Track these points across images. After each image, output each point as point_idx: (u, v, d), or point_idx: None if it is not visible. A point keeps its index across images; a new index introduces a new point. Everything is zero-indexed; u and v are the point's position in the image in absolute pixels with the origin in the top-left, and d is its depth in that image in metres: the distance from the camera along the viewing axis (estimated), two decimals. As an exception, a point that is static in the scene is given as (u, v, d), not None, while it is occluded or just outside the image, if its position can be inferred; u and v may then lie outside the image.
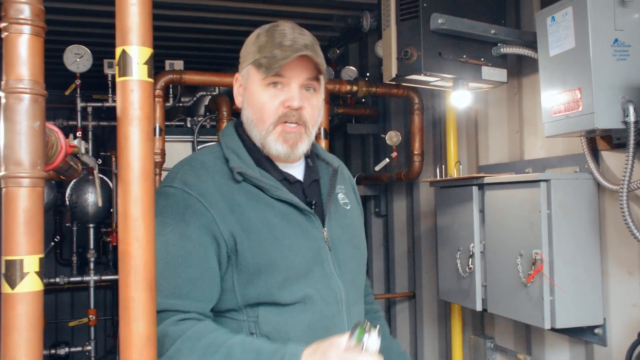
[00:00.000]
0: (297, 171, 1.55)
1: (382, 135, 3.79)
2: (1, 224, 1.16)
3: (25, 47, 1.18)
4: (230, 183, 1.43)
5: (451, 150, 3.26)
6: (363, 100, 4.24)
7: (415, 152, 3.51)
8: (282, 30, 1.46)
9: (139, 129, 1.23)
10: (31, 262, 1.17)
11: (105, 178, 4.48)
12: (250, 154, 1.49)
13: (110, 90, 4.07)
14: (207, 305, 1.38)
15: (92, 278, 4.36)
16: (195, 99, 4.22)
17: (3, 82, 1.15)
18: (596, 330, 2.36)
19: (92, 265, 4.46)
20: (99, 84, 4.41)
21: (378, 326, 1.25)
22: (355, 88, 3.47)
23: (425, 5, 2.29)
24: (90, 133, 4.36)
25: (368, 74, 4.33)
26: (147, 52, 1.25)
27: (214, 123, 4.29)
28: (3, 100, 1.15)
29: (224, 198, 1.40)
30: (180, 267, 1.35)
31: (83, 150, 1.46)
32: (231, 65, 5.14)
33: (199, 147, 3.88)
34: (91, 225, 4.56)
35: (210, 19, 4.04)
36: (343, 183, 1.64)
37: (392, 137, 3.70)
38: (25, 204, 1.16)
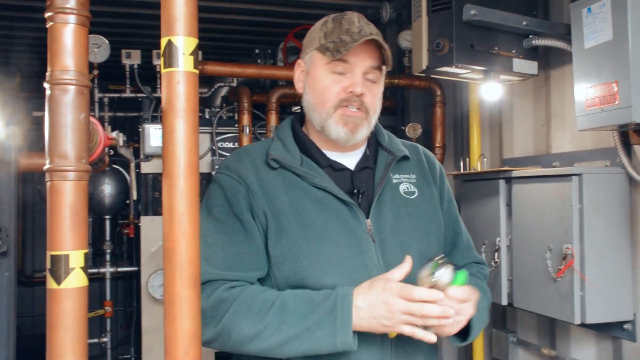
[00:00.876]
0: (350, 160, 1.53)
1: (403, 128, 3.76)
2: (46, 218, 1.14)
3: (70, 37, 1.16)
4: (268, 169, 1.47)
5: (474, 143, 3.22)
6: (381, 91, 4.19)
7: (437, 145, 3.48)
8: (350, 18, 1.48)
9: (184, 121, 1.21)
10: (77, 258, 1.15)
11: (121, 169, 4.47)
12: (298, 142, 1.52)
13: (127, 80, 4.04)
14: (255, 275, 1.43)
15: (108, 270, 4.36)
16: (213, 90, 4.19)
17: (48, 73, 1.13)
18: (625, 326, 2.33)
19: (108, 257, 4.45)
20: (115, 74, 4.39)
21: (452, 263, 1.31)
22: (377, 80, 3.43)
23: (457, -5, 2.26)
24: (106, 124, 4.34)
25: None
26: (193, 42, 1.22)
27: (231, 114, 4.27)
28: (48, 92, 1.13)
29: (260, 182, 1.45)
30: (229, 242, 1.41)
31: (121, 143, 1.44)
32: (246, 56, 5.10)
33: (217, 139, 3.86)
34: (107, 217, 4.55)
35: (225, 8, 4.00)
36: (416, 171, 1.59)
37: (413, 130, 3.66)
38: (71, 198, 1.14)
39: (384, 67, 1.50)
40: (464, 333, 1.46)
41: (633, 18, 1.97)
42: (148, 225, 3.78)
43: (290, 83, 3.89)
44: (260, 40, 4.82)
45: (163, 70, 1.23)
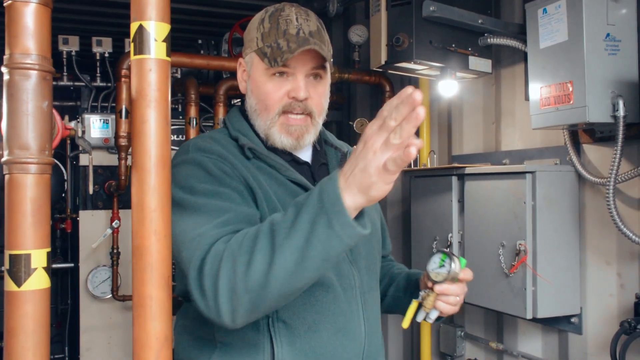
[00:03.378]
0: (304, 154, 1.51)
1: (350, 122, 3.74)
2: (4, 215, 1.05)
3: (32, 18, 1.07)
4: (243, 159, 1.39)
5: (424, 139, 3.25)
6: (327, 86, 4.17)
7: (386, 141, 3.47)
8: (287, 15, 1.40)
9: (156, 111, 1.14)
10: (39, 257, 1.07)
11: (57, 162, 4.26)
12: (258, 136, 1.46)
13: (64, 68, 3.85)
14: None
15: (41, 266, 4.14)
16: (156, 80, 4.05)
17: (6, 57, 1.04)
18: (572, 319, 2.40)
19: (41, 253, 4.23)
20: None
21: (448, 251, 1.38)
22: (327, 74, 3.40)
23: (417, -9, 2.25)
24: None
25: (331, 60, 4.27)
26: (166, 28, 1.15)
27: (174, 106, 4.15)
28: (6, 77, 1.04)
29: (241, 165, 1.36)
30: (231, 205, 1.27)
31: (80, 133, 1.35)
32: (187, 47, 4.97)
33: (160, 131, 3.73)
34: (40, 210, 4.32)
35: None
36: None
37: (361, 125, 3.65)
38: (33, 192, 1.06)
39: (327, 63, 1.43)
40: None
41: (588, 20, 2.01)
42: (87, 219, 3.62)
43: (236, 75, 3.80)
44: (202, 30, 4.70)
45: (133, 57, 1.15)
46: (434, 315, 1.41)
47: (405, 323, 1.39)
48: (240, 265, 1.12)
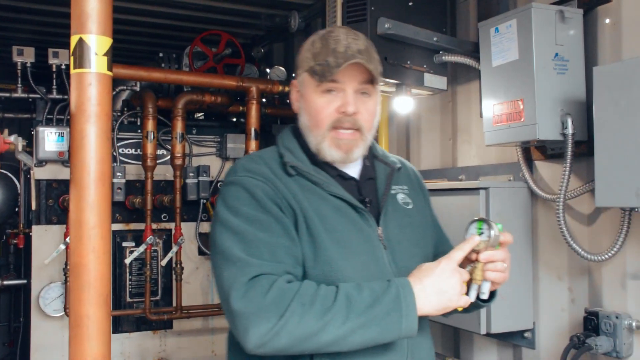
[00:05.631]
0: (353, 170, 1.57)
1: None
2: None
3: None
4: (285, 176, 1.48)
5: (382, 155, 3.27)
6: (288, 101, 4.18)
7: (345, 156, 3.48)
8: (336, 36, 1.49)
9: (96, 127, 1.12)
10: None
11: (9, 174, 4.16)
12: (306, 153, 1.52)
13: (19, 79, 3.76)
14: (300, 271, 1.41)
15: (-8, 283, 4.03)
16: (114, 93, 3.99)
17: (-63, 69, 1.01)
18: (526, 334, 2.43)
19: (-8, 269, 4.12)
20: (4, 72, 4.08)
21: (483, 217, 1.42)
22: (287, 88, 3.42)
23: (372, 8, 2.27)
24: (-5, 126, 4.02)
25: (294, 75, 4.27)
26: (107, 42, 1.14)
27: (133, 119, 4.09)
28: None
29: (283, 184, 1.46)
30: (269, 237, 1.38)
31: (20, 148, 1.31)
32: (148, 59, 4.92)
33: (118, 145, 3.68)
34: (-8, 225, 4.22)
35: (128, 9, 3.83)
36: (407, 183, 1.66)
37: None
38: (-37, 209, 1.02)
39: (377, 80, 1.52)
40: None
41: (537, 39, 2.06)
42: (40, 235, 3.54)
43: (196, 89, 3.78)
44: (163, 43, 4.66)
45: (73, 71, 1.13)
46: (486, 288, 1.41)
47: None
48: (310, 318, 1.28)
